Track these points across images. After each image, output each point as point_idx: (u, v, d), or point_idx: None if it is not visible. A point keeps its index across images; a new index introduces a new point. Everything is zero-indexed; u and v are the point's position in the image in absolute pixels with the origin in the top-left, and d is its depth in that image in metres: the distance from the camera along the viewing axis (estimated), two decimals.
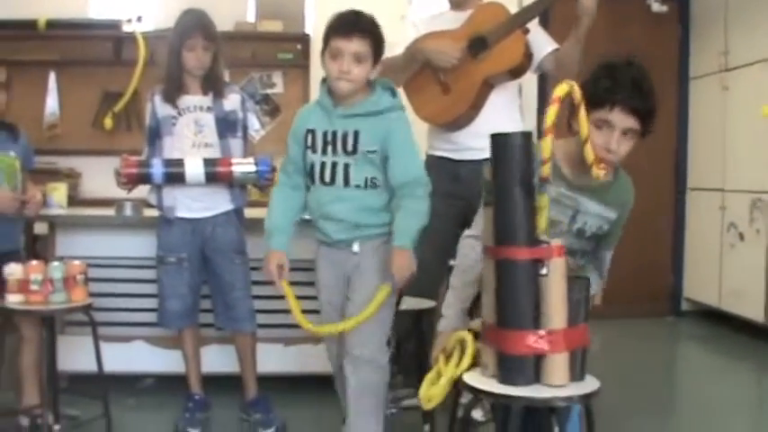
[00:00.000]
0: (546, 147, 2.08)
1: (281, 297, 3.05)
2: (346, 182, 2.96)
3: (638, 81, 2.47)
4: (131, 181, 3.72)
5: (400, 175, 2.94)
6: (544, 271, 2.08)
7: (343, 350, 3.07)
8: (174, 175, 3.67)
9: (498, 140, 2.12)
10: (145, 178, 3.72)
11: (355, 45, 2.89)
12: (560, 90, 2.11)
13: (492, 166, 2.12)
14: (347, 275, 3.05)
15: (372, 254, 3.01)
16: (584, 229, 2.66)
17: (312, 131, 3.01)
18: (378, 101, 2.98)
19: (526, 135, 2.12)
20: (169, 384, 4.29)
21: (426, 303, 3.63)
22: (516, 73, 3.76)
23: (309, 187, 3.05)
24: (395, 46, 4.09)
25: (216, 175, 3.69)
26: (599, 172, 2.30)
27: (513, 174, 2.08)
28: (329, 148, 2.98)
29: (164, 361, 4.31)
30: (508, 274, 2.09)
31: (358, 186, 2.96)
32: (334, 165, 2.97)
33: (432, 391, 2.42)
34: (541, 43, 3.83)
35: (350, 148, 2.95)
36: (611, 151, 2.48)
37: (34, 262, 3.42)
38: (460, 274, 2.76)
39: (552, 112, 2.07)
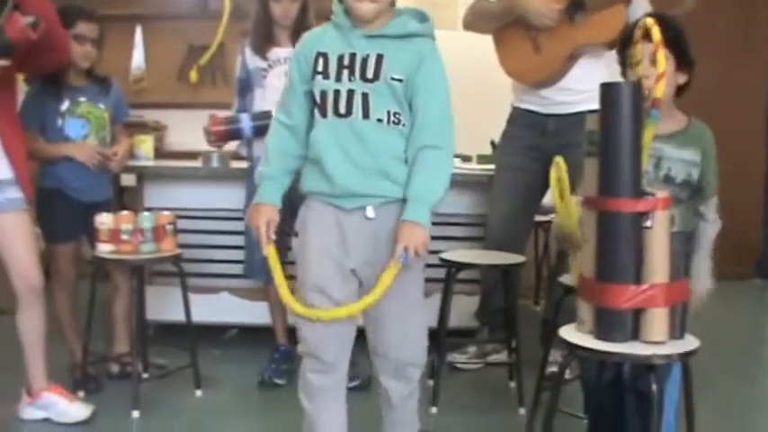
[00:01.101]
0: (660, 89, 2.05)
1: None
2: (365, 114, 2.42)
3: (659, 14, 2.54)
4: (221, 138, 3.75)
5: (427, 119, 2.43)
6: (648, 223, 2.01)
7: (373, 348, 2.61)
8: (263, 128, 3.61)
9: (607, 90, 2.05)
10: (234, 134, 3.75)
11: None
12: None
13: (600, 116, 2.05)
14: (356, 250, 2.49)
15: (393, 225, 2.44)
16: (671, 176, 2.60)
17: (324, 55, 2.46)
18: (406, 23, 2.46)
19: (635, 84, 2.05)
20: (254, 336, 4.33)
21: (513, 258, 3.56)
22: (611, 47, 3.64)
23: (316, 123, 2.51)
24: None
25: None
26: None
27: (621, 124, 2.00)
28: (345, 73, 2.43)
29: (249, 312, 4.35)
30: (612, 227, 2.03)
31: (379, 121, 2.42)
32: (350, 93, 2.43)
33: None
34: (639, 6, 3.71)
35: (370, 73, 2.42)
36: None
37: (125, 212, 3.46)
38: None
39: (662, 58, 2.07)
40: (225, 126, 3.72)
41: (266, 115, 3.64)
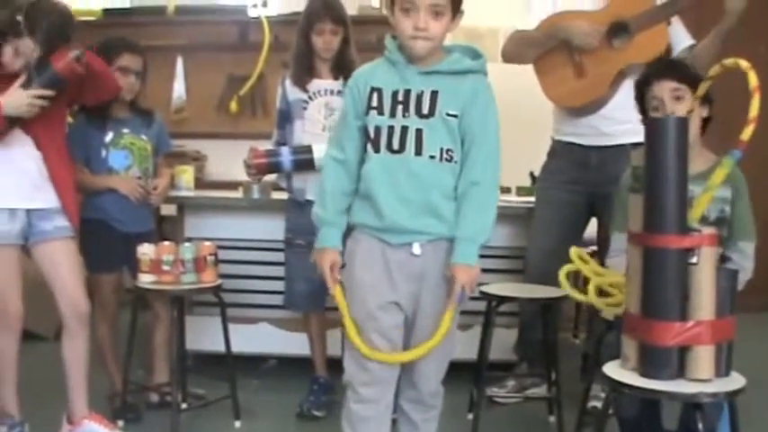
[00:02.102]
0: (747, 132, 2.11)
1: None
2: (418, 150, 2.45)
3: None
4: (261, 171, 3.79)
5: (479, 155, 2.47)
6: (694, 260, 2.00)
7: (407, 377, 2.63)
8: (303, 162, 3.69)
9: (654, 125, 2.05)
10: (274, 167, 3.77)
11: None
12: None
13: (645, 151, 2.04)
14: (401, 285, 2.52)
15: (440, 262, 2.50)
16: (704, 215, 2.58)
17: (378, 90, 2.50)
18: (460, 60, 2.51)
19: (682, 120, 2.04)
20: (292, 367, 4.32)
21: (553, 291, 3.54)
22: None
23: (368, 158, 2.53)
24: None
25: None
26: None
27: (668, 159, 1.99)
28: (399, 109, 2.47)
29: (288, 343, 4.34)
30: (657, 263, 2.02)
31: (432, 157, 2.45)
32: (404, 129, 2.46)
33: None
34: (680, 37, 3.73)
35: (426, 109, 2.45)
36: None
37: (166, 243, 3.49)
38: None
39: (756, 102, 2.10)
40: (265, 159, 3.75)
41: (306, 149, 3.68)
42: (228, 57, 6.50)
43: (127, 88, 3.64)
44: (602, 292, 2.62)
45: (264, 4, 6.49)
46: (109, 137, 3.65)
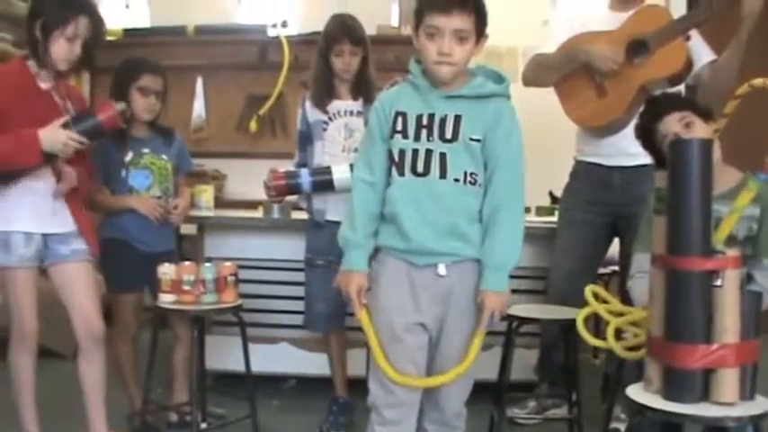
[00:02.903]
0: None
1: None
2: (442, 173, 2.47)
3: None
4: (281, 193, 3.79)
5: (503, 178, 2.49)
6: (718, 282, 1.99)
7: (432, 399, 2.63)
8: (323, 183, 3.69)
9: (677, 147, 2.04)
10: (294, 189, 3.77)
11: (456, 21, 2.43)
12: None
13: (669, 173, 2.04)
14: (427, 306, 2.53)
15: (467, 284, 2.52)
16: (732, 234, 2.57)
17: (403, 114, 2.54)
18: (484, 84, 2.54)
19: (706, 142, 2.04)
20: (312, 386, 4.32)
21: (575, 313, 3.52)
22: (675, 81, 3.61)
23: (393, 181, 2.55)
24: (539, 49, 4.03)
25: None
26: None
27: (691, 181, 1.98)
28: (423, 133, 2.50)
29: (307, 363, 4.34)
30: (681, 285, 2.00)
31: (456, 181, 2.48)
32: (428, 153, 2.49)
33: None
34: (701, 52, 3.71)
35: (449, 134, 2.48)
36: None
37: (187, 263, 3.48)
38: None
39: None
40: (285, 181, 3.75)
41: (325, 170, 3.68)
42: (248, 76, 6.54)
43: (147, 108, 3.65)
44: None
45: (284, 24, 6.53)
46: (129, 157, 3.67)
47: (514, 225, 2.51)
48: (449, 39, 2.44)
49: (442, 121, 2.49)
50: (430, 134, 2.49)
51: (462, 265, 2.51)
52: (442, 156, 2.48)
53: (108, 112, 3.15)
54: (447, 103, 2.51)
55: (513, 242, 2.50)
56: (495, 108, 2.51)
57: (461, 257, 2.51)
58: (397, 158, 2.52)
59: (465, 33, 2.45)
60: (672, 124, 2.90)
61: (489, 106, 2.51)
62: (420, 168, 2.49)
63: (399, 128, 2.53)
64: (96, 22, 3.15)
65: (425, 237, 2.48)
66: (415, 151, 2.50)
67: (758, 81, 2.20)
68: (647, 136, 3.01)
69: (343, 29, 3.72)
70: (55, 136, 3.05)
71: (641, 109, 3.15)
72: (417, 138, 2.51)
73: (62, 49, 3.08)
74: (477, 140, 2.48)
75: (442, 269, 2.50)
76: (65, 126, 3.08)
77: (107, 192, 3.67)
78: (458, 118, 2.49)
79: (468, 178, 2.48)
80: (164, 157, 3.76)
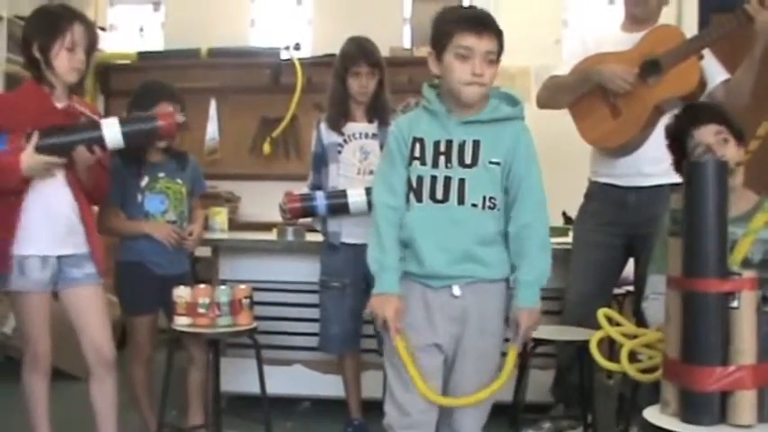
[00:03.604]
0: None
1: None
2: (461, 199, 2.51)
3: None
4: (296, 216, 3.82)
5: (527, 198, 2.53)
6: (735, 304, 1.98)
7: (443, 415, 2.64)
8: (338, 206, 3.71)
9: (693, 168, 2.03)
10: (309, 211, 3.78)
11: (487, 43, 2.48)
12: None
13: (684, 194, 2.03)
14: (443, 325, 2.56)
15: (483, 305, 2.56)
16: (747, 258, 2.55)
17: (420, 141, 2.57)
18: (499, 107, 2.58)
19: (722, 163, 2.03)
20: (326, 408, 4.32)
21: (590, 334, 3.51)
22: (688, 100, 3.61)
23: (410, 207, 2.57)
24: (552, 69, 4.03)
25: None
26: None
27: (707, 203, 1.98)
28: (441, 160, 2.53)
29: (321, 385, 4.33)
30: (697, 307, 1.99)
31: (474, 206, 2.51)
32: (447, 179, 2.52)
33: None
34: (714, 71, 3.70)
35: (469, 159, 2.52)
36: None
37: (202, 285, 3.48)
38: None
39: None
40: (299, 204, 3.77)
41: (341, 194, 3.70)
42: (261, 99, 6.58)
43: None
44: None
45: (297, 47, 6.57)
46: (144, 181, 3.68)
47: (543, 242, 2.55)
48: (480, 60, 2.48)
49: (461, 147, 2.53)
50: (448, 160, 2.53)
51: (477, 286, 2.54)
52: (461, 182, 2.51)
53: (168, 117, 3.20)
54: (464, 128, 2.55)
55: (543, 260, 2.55)
56: (512, 131, 2.56)
57: (476, 279, 2.54)
58: (415, 185, 2.55)
59: (494, 55, 2.51)
60: (707, 135, 2.86)
61: (507, 130, 2.55)
62: (439, 195, 2.52)
63: (417, 154, 2.56)
64: (89, 26, 3.18)
65: (439, 263, 2.51)
66: (434, 178, 2.53)
67: None
68: (678, 137, 2.96)
69: (361, 51, 3.74)
70: (32, 161, 3.02)
71: (677, 112, 3.13)
72: (435, 164, 2.54)
73: (66, 60, 3.08)
74: (497, 163, 2.52)
75: (456, 290, 2.53)
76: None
77: (123, 216, 3.69)
78: (476, 143, 2.53)
79: (487, 203, 2.52)
80: (179, 180, 3.77)
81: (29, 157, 3.01)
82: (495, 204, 2.53)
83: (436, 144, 2.55)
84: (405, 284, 2.58)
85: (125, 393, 3.39)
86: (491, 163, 2.52)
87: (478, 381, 2.56)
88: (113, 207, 3.62)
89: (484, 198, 2.51)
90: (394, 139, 2.63)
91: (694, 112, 3.01)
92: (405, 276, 2.58)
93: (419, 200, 2.55)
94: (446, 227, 2.51)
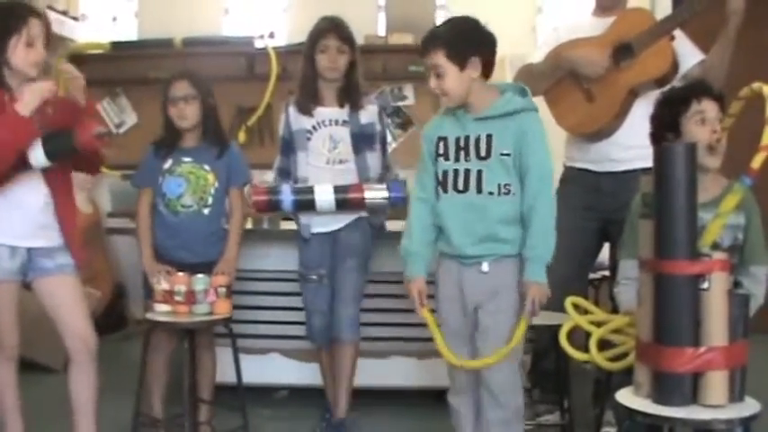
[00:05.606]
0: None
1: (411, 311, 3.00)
2: (479, 188, 2.86)
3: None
4: (261, 209, 3.78)
5: (534, 180, 2.82)
6: (705, 285, 2.00)
7: (478, 379, 2.96)
8: (304, 203, 3.66)
9: (662, 152, 2.05)
10: (275, 206, 3.73)
11: (429, 60, 2.87)
12: None
13: (654, 178, 2.05)
14: (473, 296, 2.92)
15: (507, 278, 2.88)
16: (718, 243, 2.57)
17: (444, 139, 2.93)
18: (509, 101, 2.88)
19: (690, 146, 2.05)
20: (303, 396, 4.33)
21: (567, 319, 3.53)
22: (662, 82, 3.64)
23: (439, 197, 2.94)
24: (527, 57, 4.05)
25: (347, 202, 3.63)
26: None
27: (676, 186, 2.00)
28: (461, 155, 2.90)
29: (298, 373, 4.34)
30: (668, 289, 2.02)
31: (491, 193, 2.84)
32: (466, 172, 2.88)
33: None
34: (687, 52, 3.72)
35: (483, 152, 2.86)
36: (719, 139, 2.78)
37: (180, 273, 3.47)
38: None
39: None
40: (266, 196, 3.69)
41: (308, 190, 3.64)
42: (236, 88, 6.51)
43: (179, 116, 3.62)
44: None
45: (271, 36, 6.56)
46: (168, 164, 3.65)
47: (547, 221, 2.82)
48: (431, 76, 2.88)
49: (477, 142, 2.87)
50: (467, 155, 2.89)
51: (502, 261, 2.87)
52: (479, 173, 2.86)
53: (87, 133, 3.06)
54: (478, 124, 2.88)
55: (548, 234, 2.82)
56: (518, 123, 2.85)
57: (500, 255, 2.86)
58: (441, 178, 2.93)
59: (440, 69, 2.84)
60: (711, 109, 2.83)
61: (514, 122, 2.85)
62: (461, 186, 2.89)
63: (441, 151, 2.94)
64: (44, 20, 3.13)
65: (465, 244, 2.88)
66: (456, 171, 2.90)
67: (756, 85, 2.23)
68: (676, 106, 2.89)
69: (330, 24, 3.68)
70: (31, 98, 3.01)
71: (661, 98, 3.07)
72: (457, 159, 2.91)
73: (25, 54, 3.04)
74: (508, 155, 2.84)
75: (485, 266, 2.88)
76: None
77: (150, 194, 3.70)
78: (489, 137, 2.86)
79: (503, 189, 2.84)
80: (206, 167, 3.66)
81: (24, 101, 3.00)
82: (509, 190, 2.85)
83: (457, 140, 2.91)
84: (443, 263, 2.99)
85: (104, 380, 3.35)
86: (502, 155, 2.83)
87: (499, 346, 2.84)
88: (145, 190, 3.69)
89: (499, 186, 2.84)
90: (424, 141, 3.00)
91: (698, 86, 2.98)
92: (444, 256, 2.98)
93: (445, 191, 2.92)
94: (468, 213, 2.87)
